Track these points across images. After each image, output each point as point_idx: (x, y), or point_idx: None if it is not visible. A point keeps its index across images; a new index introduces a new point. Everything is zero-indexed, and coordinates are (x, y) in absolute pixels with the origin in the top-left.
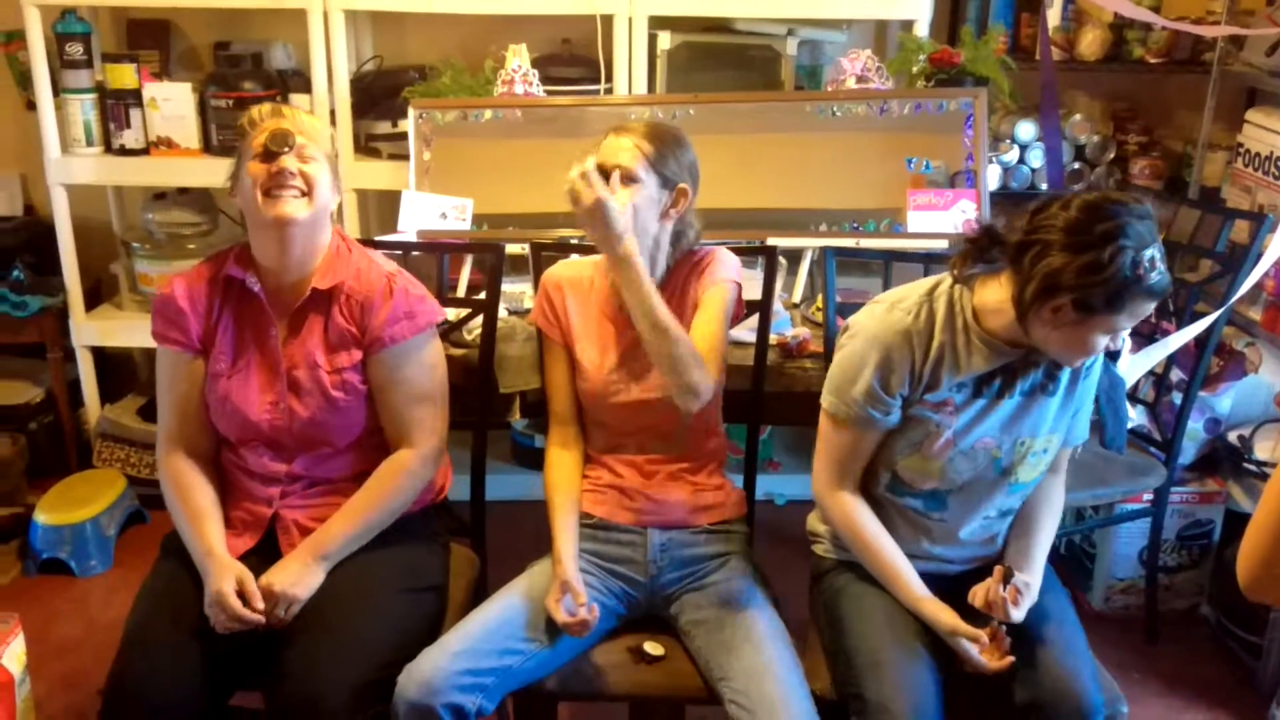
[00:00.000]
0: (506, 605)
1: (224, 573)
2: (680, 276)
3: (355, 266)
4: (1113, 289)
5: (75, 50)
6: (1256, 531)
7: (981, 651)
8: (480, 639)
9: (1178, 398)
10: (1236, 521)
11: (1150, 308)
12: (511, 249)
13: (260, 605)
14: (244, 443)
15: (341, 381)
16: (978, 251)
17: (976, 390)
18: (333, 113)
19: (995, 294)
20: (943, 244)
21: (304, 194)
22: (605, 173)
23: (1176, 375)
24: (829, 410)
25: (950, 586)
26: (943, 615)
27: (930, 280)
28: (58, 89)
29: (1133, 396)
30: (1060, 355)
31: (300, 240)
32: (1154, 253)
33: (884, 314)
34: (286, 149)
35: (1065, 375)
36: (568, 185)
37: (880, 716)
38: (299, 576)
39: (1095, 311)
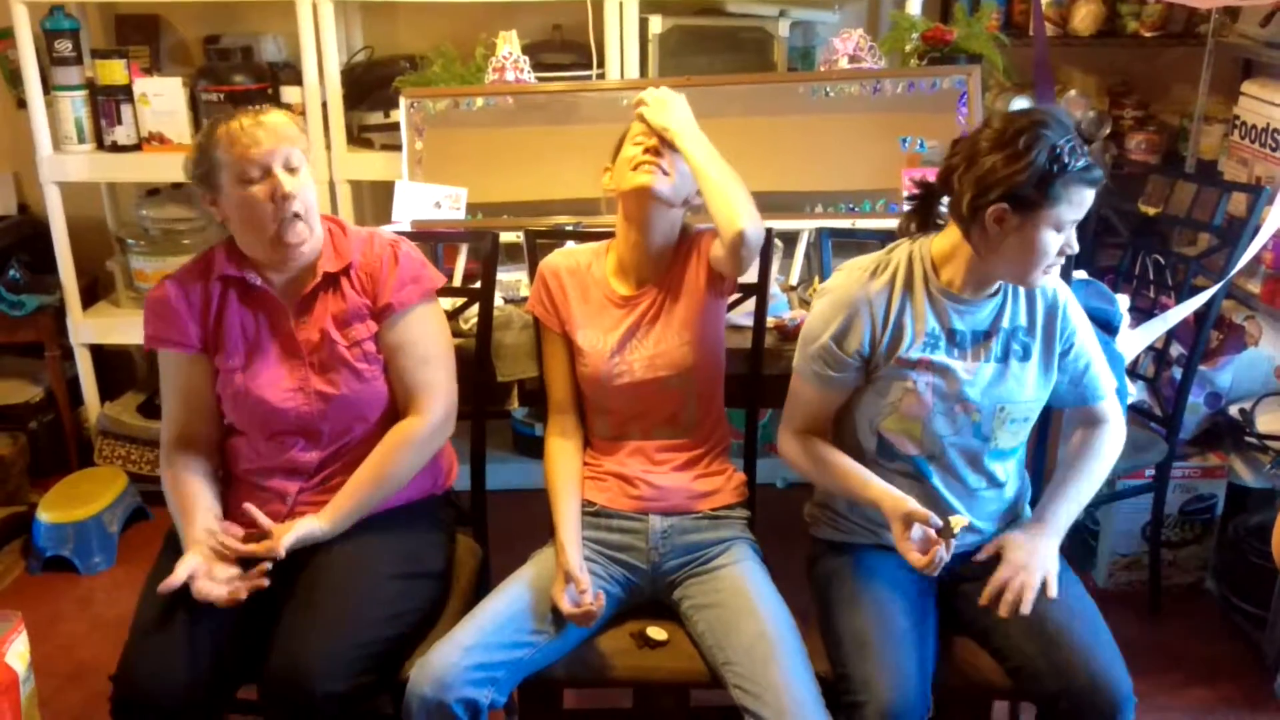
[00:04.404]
0: (514, 597)
1: (196, 548)
2: (681, 254)
3: (358, 242)
4: (1038, 174)
5: (64, 47)
6: None
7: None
8: (491, 632)
9: (1178, 373)
10: (1239, 495)
11: (1087, 196)
12: (506, 237)
13: (238, 533)
14: (273, 436)
15: (362, 353)
16: (922, 206)
17: (948, 349)
18: (324, 105)
19: (948, 240)
20: None
21: (301, 217)
22: (655, 133)
23: (1176, 350)
24: (795, 367)
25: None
26: (886, 501)
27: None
28: (48, 86)
29: (1133, 372)
30: (1017, 272)
31: (305, 255)
32: (1072, 143)
33: (845, 275)
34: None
35: (1038, 341)
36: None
37: (864, 694)
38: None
39: (1033, 205)
